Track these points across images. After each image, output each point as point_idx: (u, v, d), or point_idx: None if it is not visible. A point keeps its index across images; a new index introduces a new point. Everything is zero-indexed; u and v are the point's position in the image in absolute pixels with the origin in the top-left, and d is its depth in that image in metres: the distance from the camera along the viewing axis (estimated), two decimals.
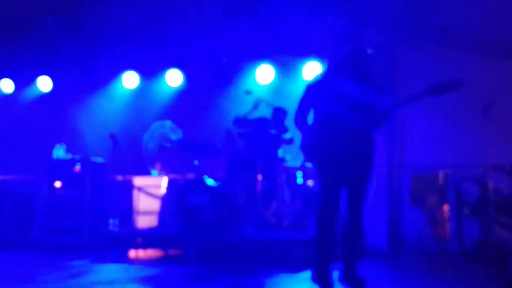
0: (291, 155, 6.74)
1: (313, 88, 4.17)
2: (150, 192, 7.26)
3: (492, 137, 5.99)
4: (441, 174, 6.87)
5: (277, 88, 7.72)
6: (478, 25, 6.49)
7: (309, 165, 6.68)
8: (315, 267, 4.06)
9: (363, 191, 4.09)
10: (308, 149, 4.10)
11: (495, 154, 6.03)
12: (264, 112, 6.70)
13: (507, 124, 6.51)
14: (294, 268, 5.35)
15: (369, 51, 4.12)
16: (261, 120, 6.59)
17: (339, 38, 4.06)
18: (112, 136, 7.31)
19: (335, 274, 4.14)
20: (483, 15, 6.27)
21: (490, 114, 5.90)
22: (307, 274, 4.98)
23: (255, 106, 6.58)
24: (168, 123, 7.45)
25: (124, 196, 7.42)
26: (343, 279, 4.19)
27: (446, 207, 6.73)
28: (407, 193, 7.05)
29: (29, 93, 8.86)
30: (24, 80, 8.77)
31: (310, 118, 4.18)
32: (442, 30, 6.76)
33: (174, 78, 8.21)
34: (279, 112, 6.62)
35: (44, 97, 8.79)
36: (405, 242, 6.87)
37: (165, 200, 7.08)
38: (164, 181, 7.31)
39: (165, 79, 8.26)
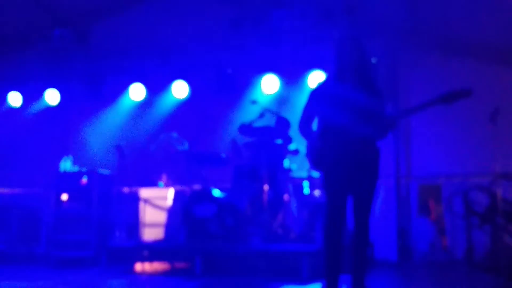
0: (297, 165, 6.71)
1: (316, 95, 4.11)
2: (156, 204, 7.25)
3: (499, 145, 5.91)
4: (448, 183, 6.81)
5: (282, 98, 7.71)
6: (482, 33, 6.45)
7: (315, 174, 6.66)
8: (325, 279, 4.01)
9: (369, 200, 4.03)
10: (313, 157, 4.06)
11: (503, 163, 5.96)
12: (270, 121, 6.69)
13: None
14: (301, 280, 5.30)
15: (373, 60, 4.05)
16: (267, 129, 6.58)
17: (344, 42, 4.02)
18: (119, 148, 7.32)
19: (345, 287, 4.10)
20: (487, 23, 6.24)
21: (497, 121, 5.84)
22: (314, 286, 4.95)
23: (261, 115, 6.57)
24: (174, 134, 7.44)
25: (130, 208, 7.41)
26: None
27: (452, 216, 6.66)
28: (415, 203, 6.99)
29: (36, 106, 8.90)
30: (32, 93, 8.82)
31: (315, 125, 4.14)
32: (446, 38, 6.73)
33: (180, 89, 8.22)
34: (282, 122, 6.60)
35: (51, 110, 8.83)
36: (415, 252, 6.80)
37: (172, 212, 7.06)
38: (170, 193, 7.29)
39: (171, 91, 8.28)
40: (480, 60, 6.69)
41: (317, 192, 6.61)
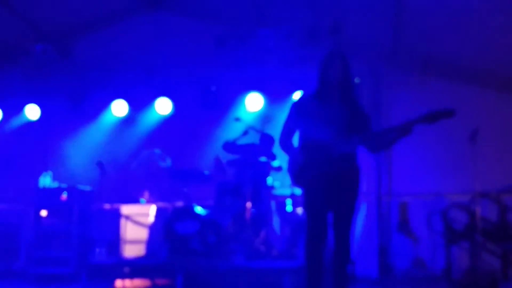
0: (280, 183, 6.75)
1: (297, 109, 4.06)
2: (138, 220, 7.20)
3: (478, 164, 6.04)
4: (428, 201, 6.91)
5: (266, 116, 7.76)
6: (462, 55, 6.62)
7: (298, 191, 6.70)
8: None
9: (349, 217, 3.98)
10: (294, 173, 4.03)
11: (482, 182, 6.08)
12: (254, 139, 6.73)
13: (493, 152, 6.60)
14: None
15: (356, 80, 4.09)
16: (251, 146, 6.61)
17: (329, 57, 3.99)
18: (100, 164, 7.28)
19: None
20: (467, 45, 6.40)
21: (476, 141, 5.97)
22: None
23: (245, 133, 6.61)
24: (157, 151, 7.43)
25: (111, 225, 7.34)
26: None
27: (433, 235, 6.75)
28: (396, 220, 7.06)
29: (17, 121, 8.81)
30: (12, 108, 8.72)
31: (296, 139, 4.11)
32: (427, 59, 6.88)
33: (163, 106, 8.22)
34: (266, 139, 6.64)
35: (31, 125, 8.74)
36: (395, 269, 6.86)
37: (153, 228, 7.02)
38: (152, 210, 7.26)
39: (154, 107, 8.27)
40: (460, 81, 6.86)
41: (299, 210, 6.64)
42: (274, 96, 7.77)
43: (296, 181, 4.05)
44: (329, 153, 3.86)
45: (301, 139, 4.05)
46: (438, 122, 3.59)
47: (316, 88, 4.03)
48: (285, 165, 4.17)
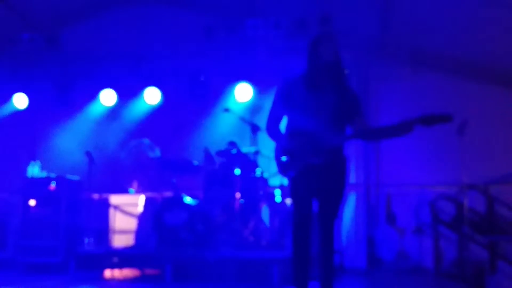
0: (269, 173, 6.75)
1: (285, 93, 3.89)
2: (126, 210, 7.18)
3: (466, 156, 6.07)
4: (416, 192, 6.94)
5: (255, 106, 7.75)
6: (451, 47, 6.63)
7: (285, 181, 6.70)
8: (294, 286, 4.02)
9: (335, 207, 3.91)
10: (280, 160, 3.88)
11: (470, 173, 6.12)
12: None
13: (481, 144, 6.64)
14: (272, 286, 5.33)
15: (345, 71, 3.99)
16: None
17: (319, 39, 3.83)
18: (89, 154, 7.24)
19: None
20: (456, 37, 6.42)
21: (464, 133, 5.99)
22: None
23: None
24: (146, 141, 7.40)
25: (100, 215, 7.31)
26: None
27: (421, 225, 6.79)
28: (384, 212, 7.10)
29: (4, 110, 8.74)
30: None
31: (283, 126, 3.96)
32: (416, 52, 6.88)
33: (152, 96, 8.19)
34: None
35: (19, 114, 8.67)
36: (383, 260, 6.90)
37: (142, 218, 7.01)
38: (141, 200, 7.24)
39: (143, 97, 8.23)
40: (449, 73, 6.87)
41: (288, 200, 6.65)
42: (263, 86, 7.75)
43: (282, 169, 3.92)
44: (317, 142, 3.75)
45: (289, 125, 3.91)
46: (434, 125, 3.54)
47: (305, 71, 3.87)
48: (272, 152, 4.02)
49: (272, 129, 3.96)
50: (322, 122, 3.76)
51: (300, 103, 3.80)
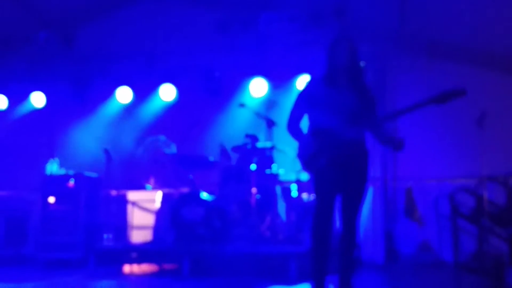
0: (285, 169, 6.74)
1: (306, 95, 4.09)
2: (144, 206, 7.23)
3: (485, 148, 6.00)
4: (435, 186, 6.87)
5: (270, 101, 7.73)
6: (469, 37, 6.54)
7: (303, 177, 6.69)
8: (312, 280, 4.02)
9: (358, 202, 4.04)
10: (304, 158, 4.04)
11: (489, 165, 6.05)
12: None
13: (501, 135, 6.54)
14: (289, 281, 5.32)
15: (361, 63, 4.07)
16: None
17: (337, 43, 4.03)
18: (106, 151, 7.30)
19: (331, 286, 4.12)
20: (473, 27, 6.32)
21: (483, 125, 5.92)
22: (302, 287, 4.97)
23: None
24: (162, 137, 7.43)
25: (118, 211, 7.38)
26: None
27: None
28: (402, 205, 7.04)
29: (22, 109, 8.84)
30: (17, 96, 8.75)
31: (304, 125, 4.12)
32: (433, 42, 6.80)
33: (167, 92, 8.21)
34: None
35: (37, 112, 8.77)
36: (401, 254, 6.85)
37: (160, 214, 7.05)
38: (158, 196, 7.28)
39: (158, 94, 8.27)
40: (467, 64, 6.78)
41: (305, 195, 6.64)
42: (278, 80, 7.72)
43: (306, 167, 4.05)
44: (338, 138, 3.89)
45: (310, 124, 4.07)
46: (448, 102, 3.55)
47: (324, 73, 4.06)
48: (294, 151, 4.15)
49: (294, 128, 4.12)
50: (342, 119, 3.88)
51: (321, 102, 3.96)
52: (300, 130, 4.11)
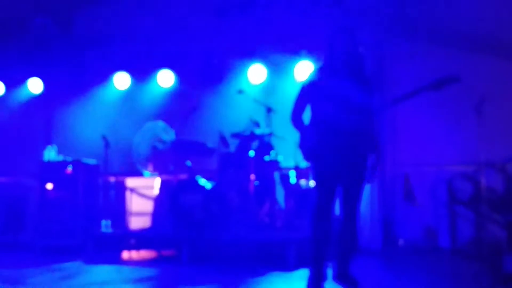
0: (284, 155, 6.73)
1: (308, 88, 4.14)
2: (142, 193, 7.23)
3: (484, 134, 6.00)
4: (433, 172, 6.88)
5: (269, 88, 7.70)
6: (468, 23, 6.49)
7: (302, 164, 6.69)
8: (311, 267, 4.04)
9: (359, 190, 4.11)
10: (306, 149, 4.08)
11: (487, 152, 6.05)
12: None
13: (499, 122, 6.53)
14: (288, 267, 5.35)
15: (360, 49, 4.07)
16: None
17: (337, 33, 4.03)
18: (104, 138, 7.29)
19: (329, 273, 4.14)
20: (472, 12, 6.28)
21: (482, 111, 5.91)
22: (300, 273, 4.99)
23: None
24: (160, 123, 7.41)
25: (116, 198, 7.38)
26: (336, 278, 4.19)
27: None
28: (400, 191, 7.05)
29: (19, 95, 8.79)
30: (14, 82, 8.70)
31: (307, 116, 4.16)
32: (432, 28, 6.75)
33: (165, 78, 8.17)
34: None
35: (35, 98, 8.73)
36: (399, 240, 6.87)
37: (158, 201, 7.06)
38: (156, 182, 7.28)
39: (156, 79, 8.22)
40: (466, 50, 6.74)
41: (303, 182, 6.64)
42: (277, 66, 7.68)
43: (308, 157, 4.10)
44: (340, 128, 3.94)
45: (312, 115, 4.12)
46: (444, 89, 3.56)
47: (325, 63, 4.09)
48: (296, 141, 4.19)
49: (296, 119, 4.19)
50: (344, 109, 3.94)
51: (323, 93, 4.02)
52: (302, 122, 4.18)
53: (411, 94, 3.72)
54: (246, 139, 6.57)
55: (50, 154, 7.43)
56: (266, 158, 6.48)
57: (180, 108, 7.74)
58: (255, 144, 6.55)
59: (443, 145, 6.85)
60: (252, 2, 7.12)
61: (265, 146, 6.59)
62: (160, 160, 7.53)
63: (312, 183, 6.48)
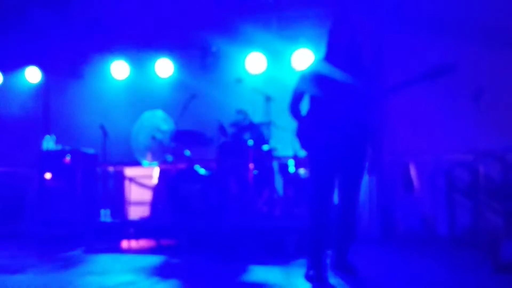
0: (283, 144, 6.73)
1: (307, 77, 4.14)
2: (141, 182, 7.24)
3: (482, 123, 5.99)
4: (432, 160, 6.88)
5: (267, 76, 7.68)
6: (466, 11, 6.48)
7: (302, 153, 6.69)
8: (310, 255, 4.05)
9: (358, 180, 4.11)
10: (303, 138, 4.08)
11: (486, 140, 6.05)
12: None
13: (497, 110, 6.53)
14: (286, 255, 5.37)
15: (359, 39, 4.07)
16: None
17: (337, 23, 4.02)
18: (102, 127, 7.28)
19: (327, 261, 4.16)
20: (471, 1, 6.26)
21: (480, 100, 5.91)
22: (299, 262, 5.01)
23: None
24: (159, 112, 7.40)
25: (115, 187, 7.39)
26: (335, 266, 4.20)
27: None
28: (398, 179, 7.06)
29: (18, 84, 8.77)
30: (12, 71, 8.68)
31: (305, 105, 4.16)
32: (430, 17, 6.73)
33: (164, 67, 8.15)
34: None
35: (33, 88, 8.70)
36: (397, 229, 6.89)
37: (157, 190, 7.06)
38: (155, 171, 7.28)
39: (155, 68, 8.20)
40: (464, 39, 6.72)
41: (302, 171, 6.65)
42: (275, 55, 7.66)
43: (305, 146, 4.11)
44: (340, 117, 3.94)
45: (311, 104, 4.12)
46: (440, 78, 3.54)
47: (326, 53, 4.09)
48: (292, 127, 4.20)
49: (294, 109, 4.21)
50: (344, 99, 3.95)
51: (323, 82, 4.01)
52: (300, 111, 4.19)
53: (406, 83, 3.70)
54: (244, 128, 6.57)
55: (49, 143, 7.43)
56: (265, 147, 6.48)
57: (179, 97, 7.72)
58: (247, 135, 6.56)
59: (442, 134, 6.84)
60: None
61: (264, 135, 6.59)
62: (158, 149, 7.53)
63: (306, 172, 6.49)
